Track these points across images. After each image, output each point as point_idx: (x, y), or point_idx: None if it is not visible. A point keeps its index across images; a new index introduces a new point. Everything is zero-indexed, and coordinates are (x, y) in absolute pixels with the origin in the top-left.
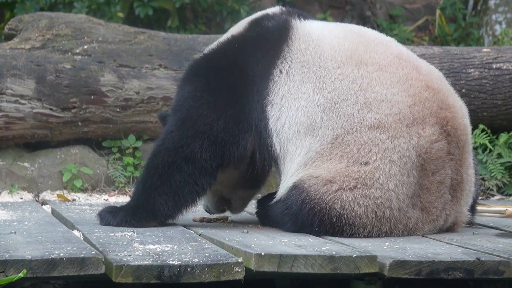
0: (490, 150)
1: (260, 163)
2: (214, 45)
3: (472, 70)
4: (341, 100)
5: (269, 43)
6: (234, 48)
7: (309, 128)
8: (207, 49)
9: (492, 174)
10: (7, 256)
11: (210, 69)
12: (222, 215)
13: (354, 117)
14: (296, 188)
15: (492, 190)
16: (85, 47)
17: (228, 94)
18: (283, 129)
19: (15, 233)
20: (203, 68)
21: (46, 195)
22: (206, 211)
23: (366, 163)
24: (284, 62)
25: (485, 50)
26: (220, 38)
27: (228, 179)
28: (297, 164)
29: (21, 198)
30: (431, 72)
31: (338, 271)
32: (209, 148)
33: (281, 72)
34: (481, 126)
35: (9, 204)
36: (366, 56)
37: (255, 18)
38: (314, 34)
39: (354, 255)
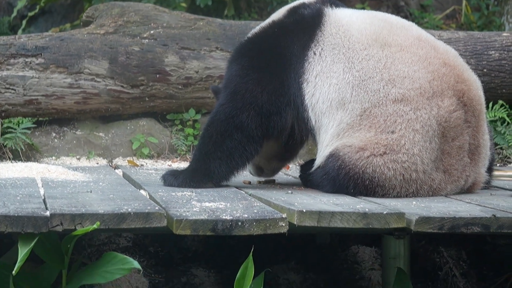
0: (508, 123)
1: (299, 135)
2: (257, 29)
3: (493, 52)
4: (368, 77)
5: (304, 28)
6: (274, 32)
7: (340, 103)
8: (251, 33)
9: (510, 144)
10: (83, 210)
11: (253, 50)
12: (270, 178)
13: (380, 92)
14: (332, 156)
15: (509, 158)
16: (152, 32)
17: (269, 72)
18: (317, 104)
19: (91, 192)
20: (248, 49)
21: (118, 161)
22: (250, 173)
23: (393, 132)
24: (317, 44)
25: (504, 34)
26: (262, 23)
27: (267, 151)
28: (331, 135)
29: (97, 163)
30: (447, 51)
31: (370, 226)
32: (255, 118)
33: (314, 53)
34: (500, 102)
35: (87, 168)
36: (390, 38)
37: (293, 6)
38: (343, 20)
39: (385, 212)
